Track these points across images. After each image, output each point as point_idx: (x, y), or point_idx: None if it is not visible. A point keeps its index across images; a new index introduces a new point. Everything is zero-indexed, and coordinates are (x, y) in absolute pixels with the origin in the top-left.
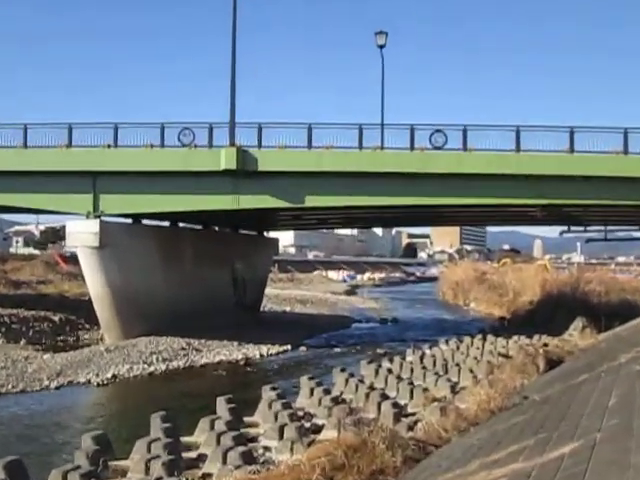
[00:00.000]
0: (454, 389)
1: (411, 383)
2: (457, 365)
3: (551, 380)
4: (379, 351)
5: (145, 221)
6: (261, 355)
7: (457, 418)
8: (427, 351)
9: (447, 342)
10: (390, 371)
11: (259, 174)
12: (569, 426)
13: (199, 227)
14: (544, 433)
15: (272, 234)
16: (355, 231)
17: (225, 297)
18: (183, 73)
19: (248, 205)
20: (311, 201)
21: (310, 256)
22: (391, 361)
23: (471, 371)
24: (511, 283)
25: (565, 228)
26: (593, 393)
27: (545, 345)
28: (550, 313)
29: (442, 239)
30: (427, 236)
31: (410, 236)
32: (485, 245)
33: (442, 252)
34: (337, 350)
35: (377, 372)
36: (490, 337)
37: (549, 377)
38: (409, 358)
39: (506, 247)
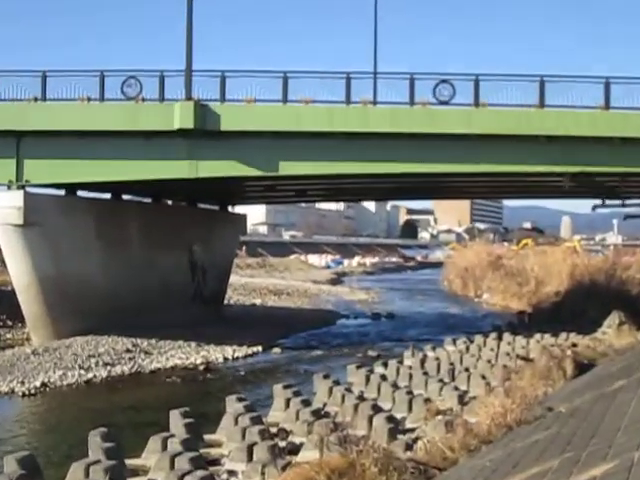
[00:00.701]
0: (462, 399)
1: (410, 392)
2: (466, 370)
3: (581, 388)
4: (371, 353)
5: (81, 193)
6: (225, 358)
7: (466, 435)
8: (430, 353)
9: (454, 342)
10: (384, 378)
11: (222, 135)
12: (602, 444)
13: (148, 200)
14: (571, 452)
15: (239, 209)
16: (341, 206)
17: (181, 287)
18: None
19: (209, 173)
20: (287, 168)
21: (286, 237)
22: (385, 366)
23: (483, 377)
24: (533, 270)
25: (599, 202)
26: (631, 403)
27: (574, 345)
28: (580, 306)
29: (448, 216)
30: (430, 212)
31: (409, 212)
32: (501, 223)
33: (448, 231)
34: (319, 352)
35: (368, 379)
36: (507, 336)
37: (578, 384)
38: (407, 362)
39: (527, 225)
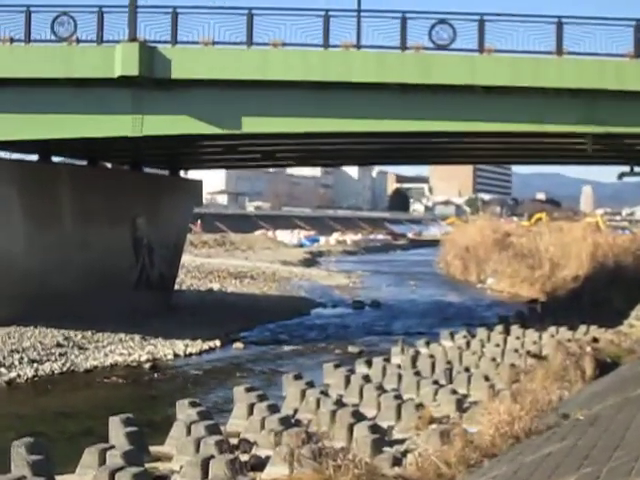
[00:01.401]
0: (461, 405)
1: (398, 396)
2: (466, 370)
3: (602, 391)
4: (351, 349)
5: (1, 154)
6: (176, 355)
7: (465, 447)
8: (422, 350)
9: (452, 336)
10: (367, 379)
11: (173, 84)
12: (626, 457)
13: (83, 163)
14: (590, 467)
15: (193, 175)
16: (318, 171)
17: (122, 270)
18: None
19: (157, 131)
20: (251, 125)
21: (250, 208)
22: (369, 364)
23: (487, 379)
24: (547, 250)
25: (626, 169)
26: None
27: (595, 340)
28: (603, 294)
29: (446, 184)
30: (424, 180)
31: (399, 180)
32: (510, 194)
33: (446, 203)
34: (289, 348)
35: (348, 380)
36: (515, 329)
37: (599, 387)
38: (396, 360)
39: (541, 197)
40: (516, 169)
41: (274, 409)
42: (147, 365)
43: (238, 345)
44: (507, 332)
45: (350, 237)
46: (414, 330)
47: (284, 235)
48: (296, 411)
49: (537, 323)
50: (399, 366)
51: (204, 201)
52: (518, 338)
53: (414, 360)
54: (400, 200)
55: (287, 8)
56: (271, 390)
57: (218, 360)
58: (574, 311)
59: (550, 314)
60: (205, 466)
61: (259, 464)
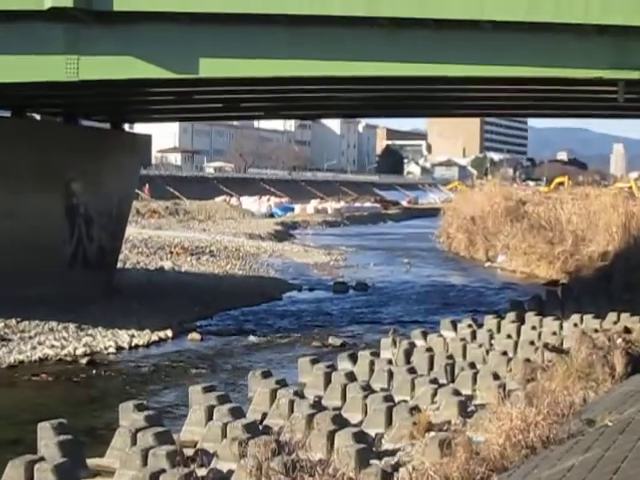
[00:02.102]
0: (465, 408)
1: (389, 398)
2: (471, 366)
3: (635, 391)
4: (332, 341)
5: None
6: (119, 348)
7: (470, 459)
8: (418, 342)
9: (454, 326)
10: (352, 377)
11: (116, 18)
12: None
13: (6, 115)
14: None
15: (140, 129)
16: (291, 125)
17: (53, 244)
18: None
19: (95, 74)
20: (211, 68)
21: (210, 170)
22: (353, 359)
23: (496, 377)
24: (570, 221)
25: None
26: None
27: (627, 331)
28: (638, 275)
29: (448, 142)
30: (421, 136)
31: (391, 136)
32: (525, 153)
33: (448, 164)
34: (257, 339)
35: (328, 379)
36: (531, 317)
37: (632, 386)
38: (386, 354)
39: (562, 157)
40: (533, 123)
41: (238, 413)
42: (84, 360)
43: (194, 336)
44: (521, 321)
45: (331, 205)
46: (408, 318)
47: (251, 203)
48: (265, 416)
49: (557, 310)
50: (390, 361)
51: (153, 161)
52: (534, 328)
53: (408, 354)
54: (392, 161)
55: None
56: (235, 391)
57: (170, 354)
58: (602, 295)
59: (573, 299)
60: None
61: None
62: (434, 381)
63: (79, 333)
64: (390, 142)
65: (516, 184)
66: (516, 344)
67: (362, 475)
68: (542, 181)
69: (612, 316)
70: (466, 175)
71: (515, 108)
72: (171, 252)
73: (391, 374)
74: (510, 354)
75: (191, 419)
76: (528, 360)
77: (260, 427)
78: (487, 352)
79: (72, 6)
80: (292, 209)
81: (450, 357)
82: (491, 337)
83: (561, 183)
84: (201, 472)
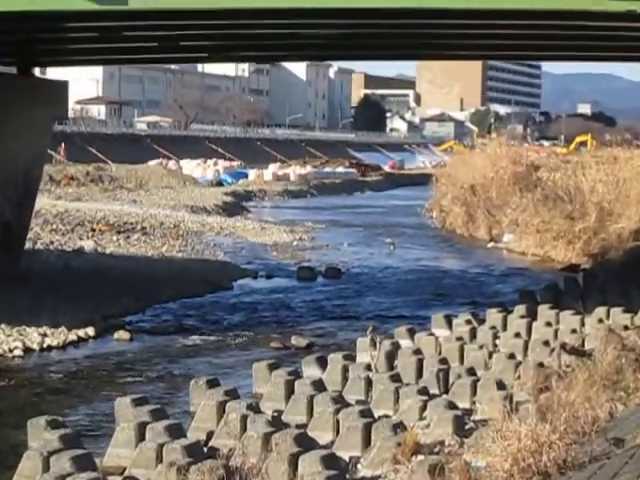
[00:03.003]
0: (462, 425)
1: (367, 413)
2: (470, 373)
3: None
4: (296, 342)
5: None
6: (27, 349)
7: None
8: (404, 342)
9: (449, 322)
10: (320, 386)
11: None
12: None
13: None
14: None
15: (54, 74)
16: (245, 70)
17: None
18: None
19: None
20: None
21: (142, 126)
22: (323, 364)
23: (501, 386)
24: (594, 190)
25: None
26: None
27: None
28: None
29: (442, 91)
30: (409, 84)
31: (371, 83)
32: (538, 106)
33: (441, 119)
34: (200, 339)
35: (290, 389)
36: (545, 310)
37: None
38: (363, 358)
39: (585, 110)
40: (548, 68)
41: (177, 432)
42: None
43: (122, 334)
44: (532, 315)
45: (295, 171)
46: (391, 313)
47: (194, 167)
48: (210, 435)
49: (577, 302)
50: (368, 367)
51: (71, 114)
52: (549, 324)
53: (391, 358)
54: (371, 115)
55: None
56: (173, 403)
57: (92, 357)
58: (634, 284)
59: (597, 288)
60: None
61: None
62: (423, 391)
63: None
64: (369, 91)
65: (527, 144)
66: (526, 345)
67: None
68: (559, 140)
69: None
70: (464, 133)
71: (526, 49)
72: (93, 229)
73: (369, 383)
74: (519, 357)
75: (118, 439)
76: (541, 365)
77: (205, 449)
78: (490, 355)
79: None
80: (245, 175)
81: (443, 361)
82: (495, 336)
83: (583, 143)
84: None
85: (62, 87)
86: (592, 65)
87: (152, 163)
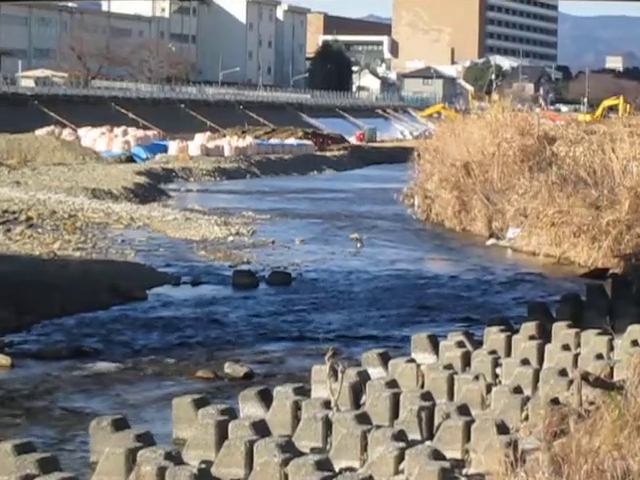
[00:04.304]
0: None
1: (324, 465)
2: (462, 411)
3: None
4: (230, 370)
5: None
6: None
7: None
8: (375, 371)
9: (434, 344)
10: (263, 429)
11: None
12: None
13: None
14: None
15: None
16: (165, 8)
17: None
18: None
19: None
20: None
21: (27, 82)
22: (266, 400)
23: (503, 429)
24: (627, 171)
25: None
26: None
27: None
28: None
29: (426, 38)
30: (383, 27)
31: (332, 26)
32: (555, 59)
33: (426, 75)
34: (104, 365)
35: (223, 433)
36: (561, 329)
37: None
38: (320, 392)
39: (615, 64)
40: (567, 8)
41: None
42: None
43: (0, 359)
44: (545, 336)
45: (231, 142)
46: (357, 332)
47: (96, 138)
48: None
49: (604, 318)
50: (327, 404)
51: None
52: (567, 348)
53: (357, 392)
54: (333, 69)
55: None
56: (68, 451)
57: None
58: None
59: (631, 300)
60: None
61: None
62: (400, 436)
63: None
64: (330, 37)
65: (539, 109)
66: (536, 375)
67: None
68: (582, 105)
69: None
70: (456, 94)
71: None
72: None
73: (328, 425)
74: (527, 391)
75: None
76: (556, 401)
77: None
78: (488, 388)
79: None
80: (165, 149)
81: (427, 396)
82: (495, 363)
83: (613, 108)
84: None
85: None
86: (625, 5)
87: (41, 132)
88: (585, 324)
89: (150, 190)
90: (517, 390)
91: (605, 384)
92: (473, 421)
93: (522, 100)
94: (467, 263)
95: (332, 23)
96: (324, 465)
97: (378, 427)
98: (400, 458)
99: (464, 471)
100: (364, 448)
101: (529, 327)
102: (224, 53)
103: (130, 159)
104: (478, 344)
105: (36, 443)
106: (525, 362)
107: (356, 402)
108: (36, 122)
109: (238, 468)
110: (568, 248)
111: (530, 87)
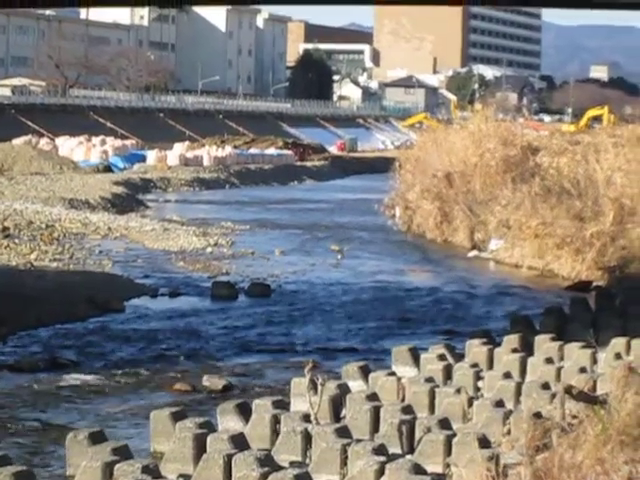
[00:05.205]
0: None
1: (303, 479)
2: (443, 425)
3: None
4: (208, 383)
5: None
6: None
7: None
8: (355, 384)
9: (415, 357)
10: (241, 443)
11: None
12: None
13: None
14: None
15: None
16: (144, 17)
17: None
18: None
19: None
20: None
21: (4, 92)
22: (245, 414)
23: (485, 443)
24: (611, 182)
25: None
26: None
27: None
28: None
29: (408, 47)
30: (364, 36)
31: (313, 35)
32: (538, 68)
33: (408, 85)
34: (79, 378)
35: (201, 446)
36: (544, 342)
37: None
38: (299, 405)
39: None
40: (551, 17)
41: None
42: None
43: None
44: (528, 349)
45: (210, 152)
46: (338, 344)
47: (74, 147)
48: None
49: (588, 330)
50: (306, 417)
51: None
52: (550, 361)
53: (337, 405)
54: (313, 78)
55: None
56: (44, 464)
57: None
58: None
59: (615, 313)
60: None
61: None
62: (380, 450)
63: None
64: (311, 46)
65: (523, 119)
66: (519, 388)
67: None
68: (566, 114)
69: None
70: (438, 103)
71: None
72: None
73: (308, 439)
74: (509, 405)
75: None
76: (538, 415)
77: None
78: (470, 402)
79: None
80: (143, 158)
81: (408, 410)
82: (477, 377)
83: (597, 118)
84: None
85: None
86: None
87: (18, 141)
88: (568, 337)
89: (128, 200)
90: (499, 404)
91: (588, 398)
92: (454, 435)
93: (505, 110)
94: (449, 275)
95: (313, 31)
96: (303, 479)
97: (358, 441)
98: (380, 472)
99: None
100: (344, 462)
101: (512, 340)
102: (203, 62)
103: (108, 169)
104: (460, 357)
105: (11, 456)
106: (507, 375)
107: (336, 415)
108: (13, 131)
109: None
110: (551, 260)
111: (513, 97)
